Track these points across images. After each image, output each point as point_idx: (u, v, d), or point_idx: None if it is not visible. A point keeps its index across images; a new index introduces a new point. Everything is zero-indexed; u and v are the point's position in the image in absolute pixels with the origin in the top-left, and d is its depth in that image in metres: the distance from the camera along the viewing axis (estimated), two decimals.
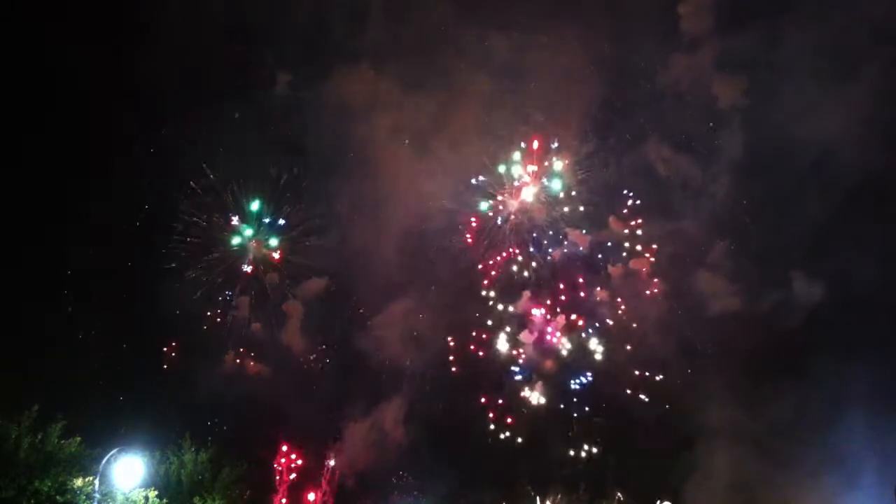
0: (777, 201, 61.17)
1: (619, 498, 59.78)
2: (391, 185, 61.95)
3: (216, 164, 60.14)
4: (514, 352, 62.66)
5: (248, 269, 61.06)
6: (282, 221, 62.29)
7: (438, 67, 61.25)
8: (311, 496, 58.27)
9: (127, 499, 39.09)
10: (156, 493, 40.69)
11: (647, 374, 61.82)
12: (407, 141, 62.83)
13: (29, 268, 51.64)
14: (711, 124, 63.50)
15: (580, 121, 63.36)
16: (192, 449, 44.87)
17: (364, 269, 61.90)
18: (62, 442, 39.38)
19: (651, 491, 59.20)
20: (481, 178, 63.46)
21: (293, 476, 58.07)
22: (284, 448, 58.21)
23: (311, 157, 62.32)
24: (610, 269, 63.80)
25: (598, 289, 63.74)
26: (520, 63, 61.86)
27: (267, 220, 61.79)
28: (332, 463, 59.04)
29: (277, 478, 57.26)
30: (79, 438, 39.78)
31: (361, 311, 63.34)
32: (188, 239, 59.55)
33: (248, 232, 61.32)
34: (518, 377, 62.20)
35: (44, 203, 53.48)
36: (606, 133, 63.80)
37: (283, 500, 57.41)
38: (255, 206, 61.14)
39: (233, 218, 60.94)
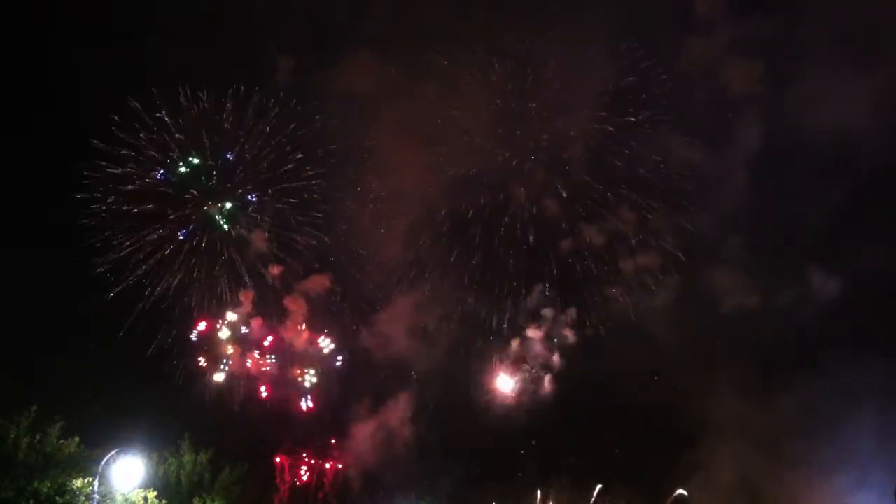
0: (793, 192, 59.71)
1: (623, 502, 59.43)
2: (395, 177, 61.28)
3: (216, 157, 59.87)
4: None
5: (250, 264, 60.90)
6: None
7: (445, 55, 60.27)
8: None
9: (126, 499, 39.39)
10: (155, 493, 40.90)
11: (655, 369, 61.22)
12: (412, 131, 62.00)
13: (29, 267, 51.71)
14: (727, 111, 61.97)
15: (590, 108, 62.09)
16: (192, 450, 45.02)
17: (368, 262, 61.70)
18: (61, 442, 39.76)
19: (656, 489, 58.82)
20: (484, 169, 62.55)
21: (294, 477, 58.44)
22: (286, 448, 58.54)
23: (314, 147, 61.62)
24: (619, 263, 62.95)
25: (608, 283, 63.05)
26: (529, 48, 60.80)
27: (270, 213, 61.49)
28: (334, 462, 59.20)
29: (279, 477, 57.54)
30: (78, 439, 40.20)
31: (365, 306, 63.07)
32: (183, 237, 59.50)
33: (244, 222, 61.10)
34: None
35: (44, 202, 53.48)
36: (618, 121, 62.50)
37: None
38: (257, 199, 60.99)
39: (237, 213, 60.73)
